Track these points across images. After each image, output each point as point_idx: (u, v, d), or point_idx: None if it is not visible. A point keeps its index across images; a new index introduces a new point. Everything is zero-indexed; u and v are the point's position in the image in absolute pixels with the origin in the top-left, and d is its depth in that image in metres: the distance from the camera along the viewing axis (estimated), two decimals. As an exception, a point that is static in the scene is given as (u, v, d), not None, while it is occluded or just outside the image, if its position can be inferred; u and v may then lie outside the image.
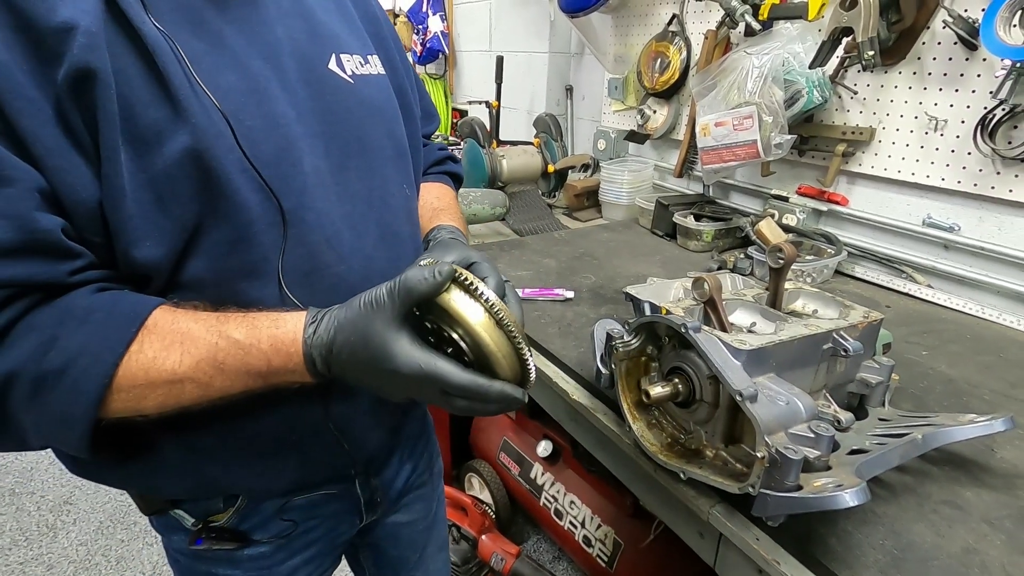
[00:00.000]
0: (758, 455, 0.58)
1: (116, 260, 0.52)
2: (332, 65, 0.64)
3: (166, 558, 0.79)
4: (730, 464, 0.67)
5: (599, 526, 1.58)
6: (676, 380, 0.70)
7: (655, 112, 1.83)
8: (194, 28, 0.53)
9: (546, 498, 1.73)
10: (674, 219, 1.56)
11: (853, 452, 0.65)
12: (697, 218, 1.56)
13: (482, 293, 0.51)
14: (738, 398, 0.59)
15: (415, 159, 0.79)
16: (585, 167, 2.07)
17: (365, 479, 0.79)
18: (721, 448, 0.68)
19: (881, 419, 0.75)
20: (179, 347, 0.50)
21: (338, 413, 0.65)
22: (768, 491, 0.57)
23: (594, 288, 1.25)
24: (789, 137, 1.31)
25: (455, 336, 0.52)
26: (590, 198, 1.91)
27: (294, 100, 0.59)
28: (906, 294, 1.27)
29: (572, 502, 1.66)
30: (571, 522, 1.65)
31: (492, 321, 0.51)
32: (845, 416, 0.70)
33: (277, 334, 0.52)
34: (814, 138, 1.41)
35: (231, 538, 0.71)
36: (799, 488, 0.56)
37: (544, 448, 1.75)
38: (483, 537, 1.70)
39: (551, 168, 1.86)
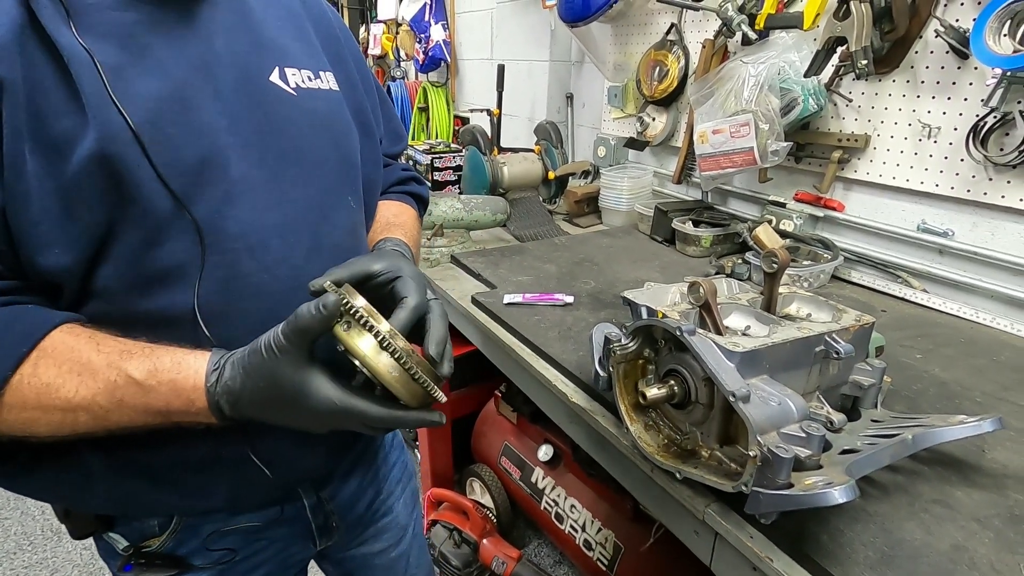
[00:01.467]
0: (751, 454, 0.59)
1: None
2: (274, 77, 0.65)
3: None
4: (724, 464, 0.68)
5: (599, 529, 1.59)
6: (672, 382, 0.72)
7: (654, 120, 1.86)
8: (120, 42, 0.54)
9: (547, 502, 1.74)
10: (673, 225, 1.58)
11: (845, 452, 0.66)
12: (696, 224, 1.58)
13: (369, 324, 0.51)
14: (731, 399, 0.61)
15: (371, 176, 0.79)
16: (585, 174, 2.09)
17: (317, 503, 0.77)
18: (716, 448, 0.70)
19: (873, 420, 0.77)
20: (76, 377, 0.50)
21: (259, 440, 0.64)
22: (760, 489, 0.58)
23: (593, 293, 1.27)
24: (785, 144, 1.33)
25: (358, 366, 0.53)
26: (590, 204, 1.93)
27: (227, 109, 0.60)
28: (901, 298, 1.28)
29: (573, 506, 1.67)
30: (572, 526, 1.66)
31: (385, 354, 0.51)
32: (838, 417, 0.72)
33: (177, 379, 0.52)
34: (810, 145, 1.43)
35: (166, 564, 0.68)
36: (790, 486, 0.58)
37: (545, 452, 1.76)
38: (484, 541, 1.71)
39: (551, 175, 1.88)
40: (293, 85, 0.67)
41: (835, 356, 0.72)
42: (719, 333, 0.75)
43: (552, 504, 1.73)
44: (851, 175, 1.37)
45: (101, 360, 0.51)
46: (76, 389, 0.50)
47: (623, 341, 0.77)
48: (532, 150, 1.95)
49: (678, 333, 0.67)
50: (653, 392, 0.70)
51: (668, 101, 1.79)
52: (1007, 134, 1.09)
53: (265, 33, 0.67)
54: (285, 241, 0.63)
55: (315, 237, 0.66)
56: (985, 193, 1.15)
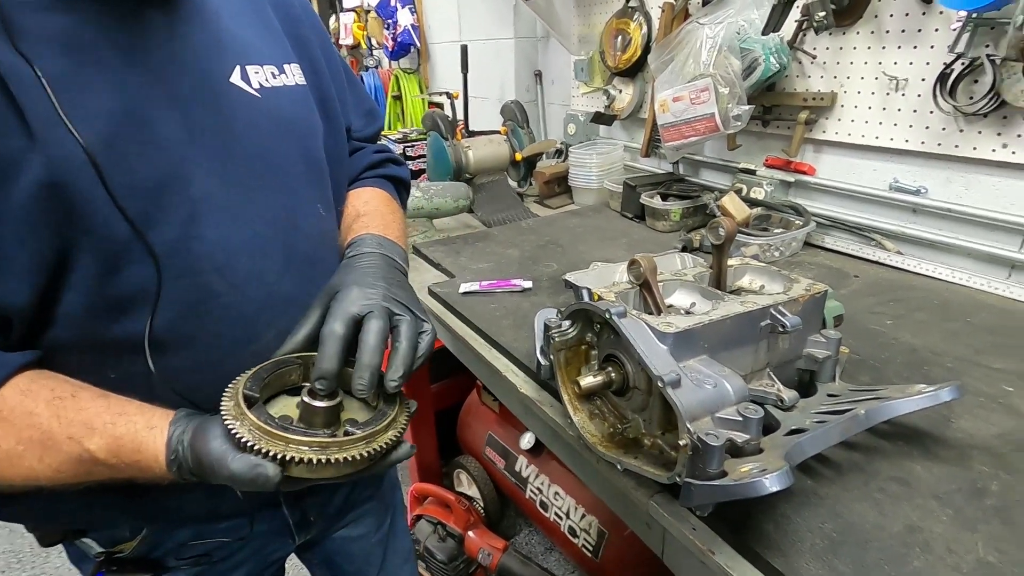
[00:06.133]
0: (680, 443, 0.55)
1: None
2: (235, 78, 0.60)
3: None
4: (665, 452, 0.64)
5: (583, 516, 1.56)
6: (609, 368, 0.67)
7: (620, 92, 1.79)
8: (62, 49, 0.49)
9: (531, 490, 1.72)
10: (641, 200, 1.52)
11: (792, 432, 0.62)
12: (664, 198, 1.52)
13: (268, 452, 0.49)
14: (659, 384, 0.56)
15: (337, 176, 0.75)
16: (558, 153, 2.03)
17: (294, 502, 0.75)
18: (658, 436, 0.65)
19: (830, 395, 0.72)
20: (38, 448, 0.48)
21: None
22: (692, 480, 0.54)
23: (555, 276, 1.22)
24: (747, 108, 1.26)
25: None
26: (561, 184, 1.87)
27: (185, 119, 0.55)
28: (875, 262, 1.23)
29: (556, 493, 1.64)
30: (556, 513, 1.63)
31: (300, 467, 0.50)
32: (789, 395, 0.67)
33: (140, 461, 0.50)
34: (777, 107, 1.37)
35: (140, 568, 0.67)
36: (724, 475, 0.54)
37: (527, 440, 1.73)
38: (469, 533, 1.68)
39: (518, 156, 1.82)
40: (256, 86, 0.62)
41: (781, 330, 0.67)
42: (660, 313, 0.70)
43: (536, 492, 1.70)
44: (820, 136, 1.31)
45: (62, 432, 0.49)
46: (40, 458, 0.48)
47: (562, 327, 0.73)
48: (499, 132, 1.89)
49: (607, 316, 0.62)
50: (588, 380, 0.66)
51: (633, 71, 1.73)
52: (976, 81, 1.03)
53: (223, 26, 0.61)
54: (253, 258, 0.59)
55: (286, 251, 0.63)
56: (956, 146, 1.09)
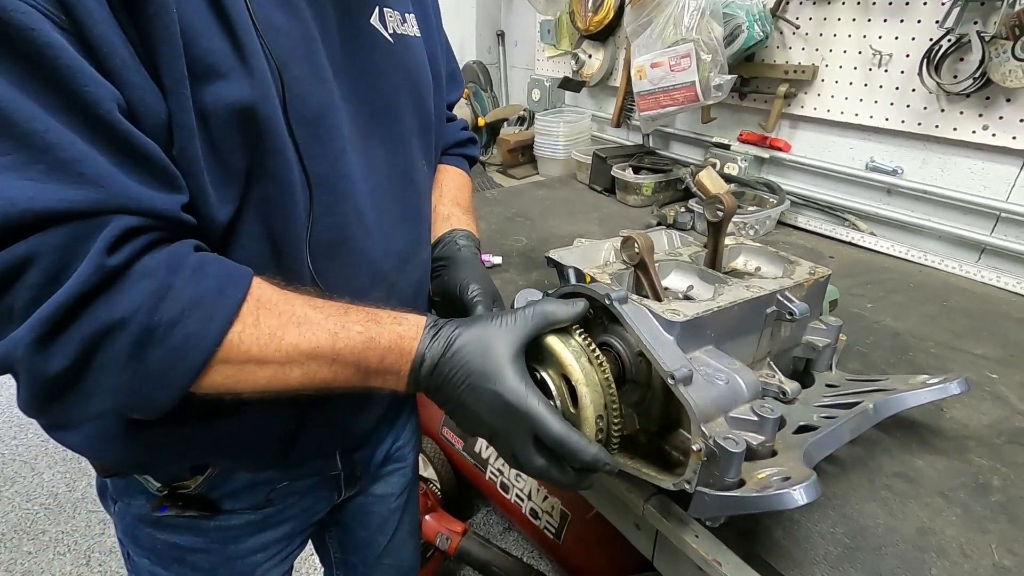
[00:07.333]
0: (694, 448, 0.49)
1: None
2: (375, 19, 0.58)
3: (99, 546, 0.68)
4: (665, 453, 0.58)
5: (545, 498, 1.52)
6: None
7: (590, 56, 1.70)
8: None
9: (492, 472, 1.66)
10: (612, 172, 1.45)
11: (800, 429, 0.57)
12: (636, 170, 1.46)
13: (596, 352, 0.50)
14: (670, 381, 0.50)
15: (436, 133, 0.73)
16: (521, 120, 1.93)
17: (346, 454, 0.73)
18: (655, 434, 0.59)
19: (829, 385, 0.68)
20: (296, 328, 0.46)
21: (315, 407, 0.60)
22: (706, 489, 0.48)
23: (525, 252, 1.14)
24: (729, 77, 1.20)
25: (553, 389, 0.51)
26: (525, 153, 1.77)
27: (332, 54, 0.53)
28: (849, 243, 1.21)
29: (518, 475, 1.59)
30: (517, 495, 1.59)
31: (598, 381, 0.50)
32: (791, 387, 0.63)
33: (400, 331, 0.49)
34: (755, 79, 1.32)
35: (198, 506, 0.64)
36: (741, 483, 0.48)
37: (487, 421, 1.67)
38: (426, 517, 1.62)
39: (481, 121, 1.71)
40: (391, 30, 0.60)
41: (788, 317, 0.62)
42: (657, 298, 0.63)
43: (497, 474, 1.65)
44: (798, 111, 1.27)
45: (318, 315, 0.48)
46: (296, 341, 0.46)
47: (547, 311, 0.65)
48: (459, 94, 1.76)
49: (607, 302, 0.55)
50: (580, 373, 0.59)
51: (605, 35, 1.63)
52: (961, 59, 1.00)
53: None
54: (377, 207, 0.58)
55: (400, 203, 0.62)
56: (937, 126, 1.07)
